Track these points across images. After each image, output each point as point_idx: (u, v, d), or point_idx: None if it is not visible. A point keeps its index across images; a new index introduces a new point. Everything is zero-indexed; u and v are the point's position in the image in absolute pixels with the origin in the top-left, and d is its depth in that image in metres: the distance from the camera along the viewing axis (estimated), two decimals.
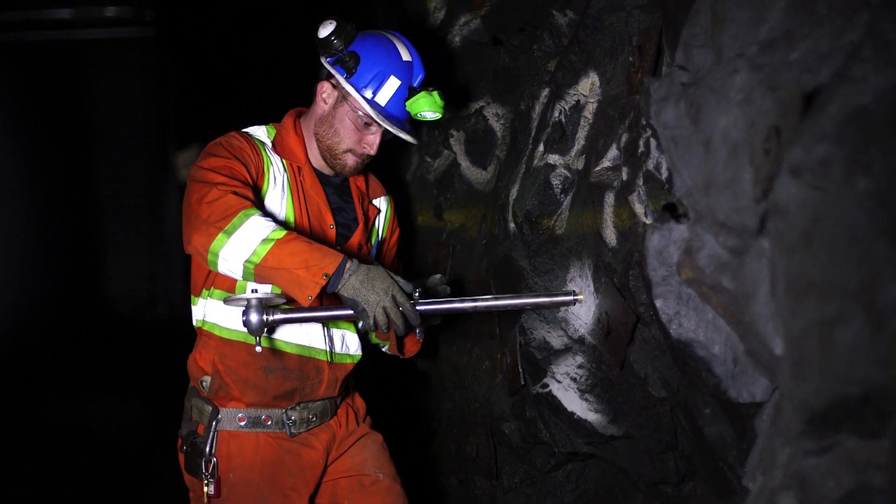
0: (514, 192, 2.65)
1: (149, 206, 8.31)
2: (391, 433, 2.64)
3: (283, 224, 2.31)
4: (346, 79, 2.34)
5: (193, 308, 2.41)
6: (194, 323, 2.41)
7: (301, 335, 2.36)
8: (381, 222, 2.60)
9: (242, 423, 2.33)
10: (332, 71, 2.36)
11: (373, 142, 2.39)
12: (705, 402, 1.95)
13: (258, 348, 2.16)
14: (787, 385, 1.47)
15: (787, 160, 1.41)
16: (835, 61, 1.45)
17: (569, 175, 2.49)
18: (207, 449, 2.30)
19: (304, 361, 2.36)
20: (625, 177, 2.12)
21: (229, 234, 2.10)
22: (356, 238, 2.47)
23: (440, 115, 2.38)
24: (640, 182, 2.07)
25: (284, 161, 2.40)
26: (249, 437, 2.33)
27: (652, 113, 1.87)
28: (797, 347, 1.42)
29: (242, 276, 2.15)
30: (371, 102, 2.33)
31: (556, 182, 2.49)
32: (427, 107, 2.34)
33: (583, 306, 2.33)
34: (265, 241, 2.10)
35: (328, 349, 2.40)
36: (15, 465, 4.80)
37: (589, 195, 2.32)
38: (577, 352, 2.38)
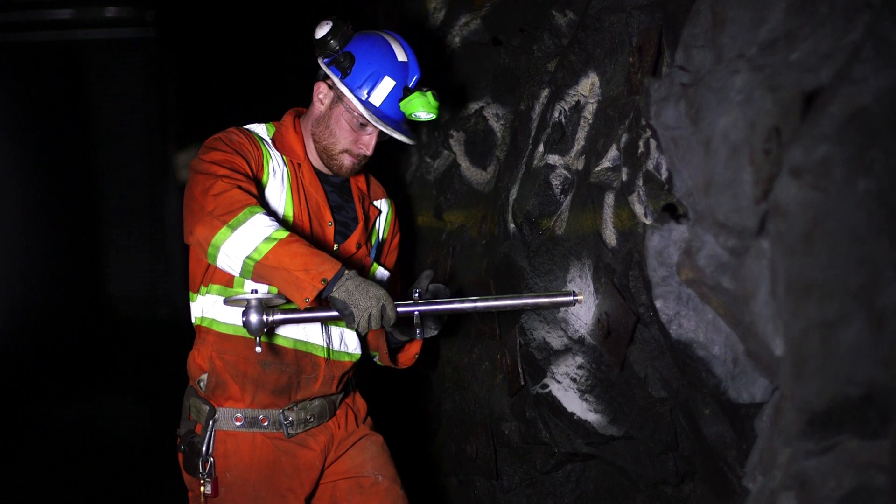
0: (513, 193, 2.65)
1: (149, 207, 8.30)
2: (391, 433, 2.64)
3: (282, 223, 2.31)
4: (341, 79, 2.34)
5: (192, 305, 2.41)
6: (193, 321, 2.41)
7: (298, 331, 2.37)
8: (381, 224, 2.60)
9: (239, 423, 2.33)
10: (328, 72, 2.36)
11: (368, 142, 2.39)
12: (705, 403, 1.95)
13: (258, 349, 2.16)
14: (788, 385, 1.47)
15: (788, 161, 1.40)
16: (836, 62, 1.44)
17: (569, 175, 2.49)
18: (204, 448, 2.30)
19: (300, 356, 2.37)
20: (625, 177, 2.12)
21: (233, 228, 2.11)
22: (355, 237, 2.46)
23: (434, 116, 2.37)
24: (640, 182, 2.07)
25: (284, 157, 2.40)
26: (246, 437, 2.33)
27: (652, 113, 1.87)
28: (798, 348, 1.41)
29: (241, 273, 2.16)
30: (365, 103, 2.33)
31: (555, 182, 2.49)
32: (421, 107, 2.33)
33: (583, 307, 2.33)
34: (268, 239, 2.10)
35: (326, 346, 2.40)
36: (15, 465, 4.80)
37: (589, 196, 2.32)
38: (577, 352, 2.38)
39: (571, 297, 2.24)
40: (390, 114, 2.36)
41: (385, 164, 2.62)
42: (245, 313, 2.14)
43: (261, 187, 2.33)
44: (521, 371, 2.59)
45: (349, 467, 2.46)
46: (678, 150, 1.79)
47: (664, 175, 1.99)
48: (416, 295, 2.27)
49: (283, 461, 2.35)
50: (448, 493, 3.25)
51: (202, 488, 2.29)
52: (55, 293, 7.72)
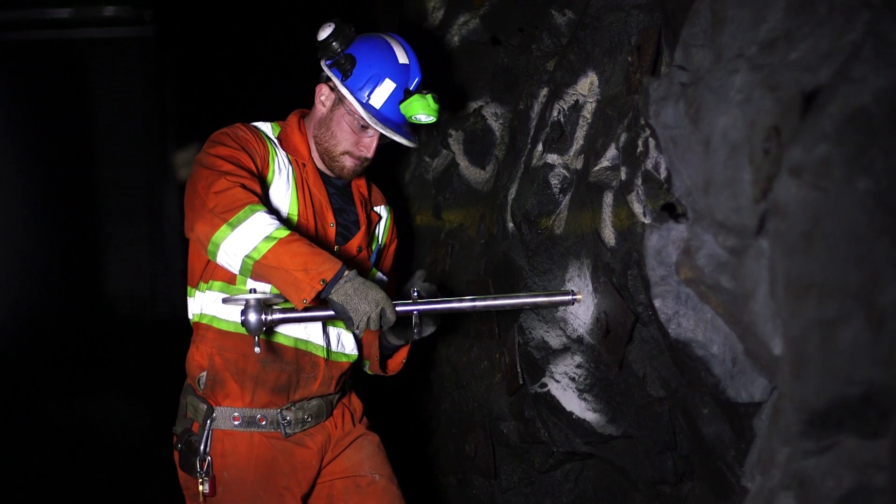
0: (512, 192, 2.65)
1: (148, 205, 8.29)
2: (390, 432, 2.64)
3: (286, 221, 2.31)
4: (342, 81, 2.34)
5: (190, 301, 2.40)
6: (190, 317, 2.40)
7: (299, 329, 2.36)
8: (381, 229, 2.61)
9: (237, 423, 2.32)
10: (329, 73, 2.36)
11: (369, 145, 2.38)
12: (704, 402, 1.95)
13: (257, 349, 2.16)
14: (787, 385, 1.47)
15: (787, 160, 1.40)
16: (835, 61, 1.44)
17: (567, 175, 2.48)
18: (202, 447, 2.30)
19: (300, 354, 2.36)
20: (623, 176, 2.12)
21: (233, 226, 2.10)
22: (356, 240, 2.47)
23: (434, 119, 2.36)
24: (639, 182, 2.07)
25: (289, 156, 2.40)
26: (244, 437, 2.33)
27: (651, 113, 1.87)
28: (797, 347, 1.41)
29: (239, 271, 2.16)
30: (366, 105, 2.33)
31: (554, 182, 2.49)
32: (421, 110, 2.33)
33: (581, 306, 2.33)
34: (268, 238, 2.10)
35: (325, 346, 2.40)
36: (15, 464, 4.80)
37: (587, 195, 2.32)
38: (576, 351, 2.38)
39: (570, 297, 2.25)
40: (391, 116, 2.36)
41: (384, 163, 2.61)
42: (244, 312, 2.14)
43: (265, 185, 2.32)
44: (519, 370, 2.59)
45: (346, 467, 2.46)
46: (677, 150, 1.79)
47: (663, 174, 1.99)
48: (415, 294, 2.26)
49: (280, 460, 2.35)
50: (446, 492, 3.25)
51: (200, 487, 2.29)
52: (53, 291, 7.71)
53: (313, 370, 2.38)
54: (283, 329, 2.34)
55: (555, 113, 2.49)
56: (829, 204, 1.33)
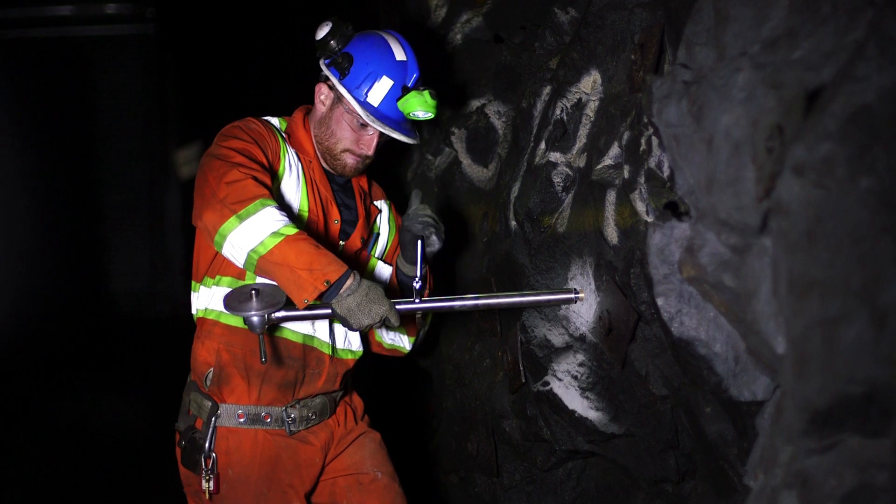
0: (515, 190, 2.65)
1: (150, 203, 8.30)
2: (392, 430, 2.64)
3: (297, 216, 2.31)
4: (340, 80, 2.34)
5: (194, 296, 2.38)
6: (194, 312, 2.39)
7: (307, 326, 2.36)
8: (383, 222, 2.61)
9: (242, 420, 2.32)
10: (327, 72, 2.36)
11: (370, 142, 2.38)
12: (706, 401, 1.95)
13: (263, 360, 2.16)
14: (790, 384, 1.47)
15: (790, 159, 1.40)
16: (838, 60, 1.44)
17: (570, 173, 2.48)
18: (207, 445, 2.29)
19: (307, 350, 2.37)
20: (626, 175, 2.12)
21: (242, 219, 2.09)
22: (357, 233, 2.47)
23: (433, 115, 2.35)
24: (642, 180, 2.07)
25: (297, 153, 2.40)
26: (248, 434, 2.33)
27: (654, 111, 1.86)
28: (800, 346, 1.41)
29: (244, 265, 2.14)
30: (363, 104, 2.33)
31: (557, 180, 2.49)
32: (418, 106, 2.32)
33: (584, 304, 2.33)
34: (275, 234, 2.09)
35: (331, 343, 2.40)
36: (15, 463, 4.80)
37: (590, 193, 2.32)
38: (578, 350, 2.38)
39: (573, 295, 2.25)
40: (389, 113, 2.36)
41: (386, 161, 2.61)
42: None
43: (276, 179, 2.32)
44: (521, 368, 2.59)
45: (348, 464, 2.47)
46: (680, 148, 1.79)
47: (666, 173, 1.99)
48: (418, 286, 2.25)
49: (284, 458, 2.35)
50: (449, 490, 3.25)
51: (204, 485, 2.28)
52: (54, 290, 7.72)
53: (318, 366, 2.39)
54: (291, 325, 2.34)
55: (558, 111, 2.49)
56: (832, 203, 1.33)
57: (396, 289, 2.50)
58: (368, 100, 2.33)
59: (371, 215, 2.56)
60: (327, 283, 2.08)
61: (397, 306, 2.18)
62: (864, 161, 1.30)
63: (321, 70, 2.41)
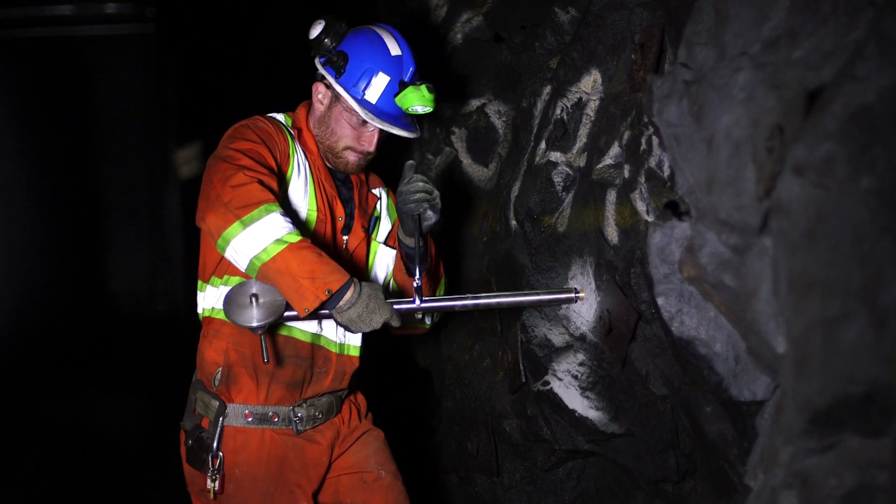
0: (515, 190, 2.65)
1: (150, 203, 8.30)
2: (392, 430, 2.64)
3: (304, 220, 2.31)
4: (336, 79, 2.33)
5: (200, 295, 2.37)
6: (200, 311, 2.38)
7: (314, 323, 2.36)
8: (382, 208, 2.60)
9: (249, 420, 2.31)
10: (323, 72, 2.36)
11: (370, 139, 2.38)
12: (706, 400, 1.95)
13: (265, 359, 2.16)
14: (790, 383, 1.47)
15: (791, 158, 1.40)
16: (838, 59, 1.44)
17: (570, 172, 2.48)
18: (214, 444, 2.29)
19: (315, 349, 2.36)
20: (627, 174, 2.12)
21: (246, 224, 2.07)
22: (358, 223, 2.47)
23: (431, 108, 2.34)
24: (642, 180, 2.07)
25: (304, 151, 2.40)
26: (255, 433, 2.32)
27: (654, 110, 1.87)
28: (800, 346, 1.42)
29: (246, 270, 2.14)
30: (361, 101, 2.32)
31: (557, 179, 2.49)
32: (416, 101, 2.31)
33: (584, 304, 2.33)
34: (279, 241, 2.08)
35: (338, 340, 2.41)
36: (16, 463, 4.80)
37: (591, 193, 2.32)
38: (579, 349, 2.38)
39: (573, 294, 2.24)
40: (388, 109, 2.35)
41: (386, 160, 2.61)
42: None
43: (284, 180, 2.31)
44: (522, 368, 2.59)
45: (353, 463, 2.47)
46: (680, 148, 1.79)
47: (666, 172, 1.99)
48: (418, 280, 2.25)
49: (291, 457, 2.34)
50: (449, 490, 3.26)
51: (210, 485, 2.28)
52: (55, 289, 7.72)
53: (325, 365, 2.38)
54: (299, 324, 2.33)
55: (558, 111, 2.49)
56: (832, 202, 1.33)
57: (401, 270, 2.49)
58: (366, 97, 2.33)
59: (370, 204, 2.55)
60: (329, 292, 2.07)
61: (398, 307, 2.18)
62: (864, 161, 1.30)
63: (317, 69, 2.40)
